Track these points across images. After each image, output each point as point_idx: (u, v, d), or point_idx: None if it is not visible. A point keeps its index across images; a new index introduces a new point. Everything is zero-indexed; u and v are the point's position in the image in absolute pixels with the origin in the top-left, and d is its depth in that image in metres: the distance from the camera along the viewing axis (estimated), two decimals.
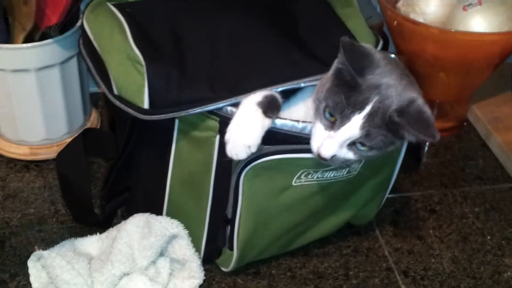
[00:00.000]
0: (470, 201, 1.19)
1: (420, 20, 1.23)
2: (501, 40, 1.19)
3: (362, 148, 0.83)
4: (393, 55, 1.16)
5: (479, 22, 1.20)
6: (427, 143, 1.32)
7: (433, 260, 1.07)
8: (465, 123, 1.38)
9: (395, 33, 1.28)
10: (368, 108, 0.81)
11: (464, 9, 1.21)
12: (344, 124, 0.81)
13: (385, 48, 1.30)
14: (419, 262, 1.06)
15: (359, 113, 0.81)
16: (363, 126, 0.81)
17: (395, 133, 0.82)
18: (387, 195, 1.07)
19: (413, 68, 1.22)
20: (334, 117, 0.83)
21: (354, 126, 0.81)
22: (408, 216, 1.15)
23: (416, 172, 1.25)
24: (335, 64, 0.84)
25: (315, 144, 0.84)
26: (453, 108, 1.35)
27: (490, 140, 1.32)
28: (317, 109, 0.85)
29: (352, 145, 0.84)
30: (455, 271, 1.05)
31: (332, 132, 0.83)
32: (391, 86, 0.82)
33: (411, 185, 1.22)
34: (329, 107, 0.83)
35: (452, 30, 1.20)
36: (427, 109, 0.83)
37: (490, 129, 1.32)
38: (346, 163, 0.88)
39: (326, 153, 0.83)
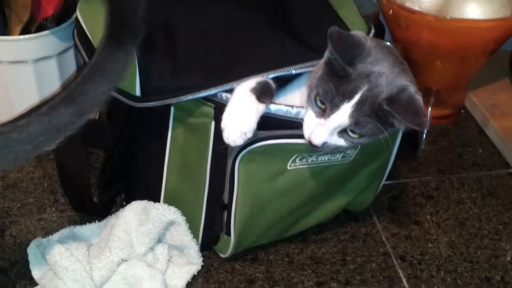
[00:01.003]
0: (467, 187, 1.20)
1: (416, 8, 1.24)
2: (496, 27, 1.19)
3: (353, 135, 0.84)
4: (388, 43, 1.16)
5: (474, 9, 1.20)
6: (425, 131, 1.33)
7: (430, 245, 1.07)
8: (462, 111, 1.39)
9: (391, 22, 1.28)
10: (357, 97, 0.81)
11: None
12: (334, 112, 0.82)
13: (381, 36, 1.31)
14: (416, 247, 1.07)
15: (348, 101, 0.81)
16: (352, 115, 0.82)
17: (384, 121, 0.82)
18: (383, 181, 1.08)
19: (410, 56, 1.22)
20: (325, 105, 0.83)
21: (343, 114, 0.82)
22: (406, 202, 1.16)
23: (413, 159, 1.25)
24: (326, 54, 0.85)
25: (306, 131, 0.86)
26: (450, 96, 1.35)
27: (487, 127, 1.33)
28: (308, 97, 0.86)
29: (343, 132, 0.84)
30: (452, 256, 1.06)
31: (322, 120, 0.84)
32: (382, 74, 0.82)
33: (409, 171, 1.23)
34: (320, 95, 0.83)
35: (448, 17, 1.21)
36: (418, 97, 0.84)
37: (487, 116, 1.33)
38: (339, 149, 0.88)
39: (317, 140, 0.84)
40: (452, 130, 1.34)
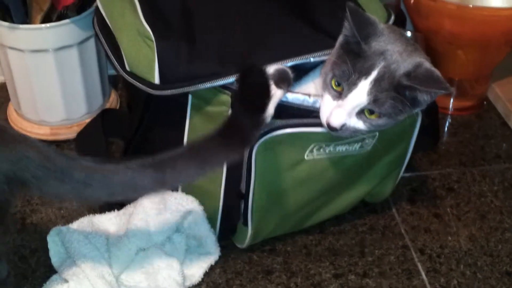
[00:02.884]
0: (489, 180, 1.18)
1: None
2: None
3: (371, 116, 0.83)
4: (409, 33, 1.15)
5: None
6: (447, 123, 1.31)
7: (450, 238, 1.06)
8: (485, 102, 1.37)
9: (412, 11, 1.27)
10: (374, 74, 0.81)
11: None
12: (351, 91, 0.82)
13: (402, 25, 1.29)
14: (436, 240, 1.06)
15: (366, 78, 0.81)
16: (370, 92, 0.81)
17: (405, 97, 0.82)
18: (402, 172, 1.07)
19: (431, 46, 1.21)
20: (341, 86, 0.83)
21: (361, 92, 0.82)
22: (426, 194, 1.14)
23: (434, 152, 1.24)
24: (341, 35, 0.85)
25: (324, 115, 0.85)
26: (473, 87, 1.33)
27: (510, 119, 1.31)
28: (324, 81, 0.86)
29: (361, 113, 0.84)
30: (472, 249, 1.04)
31: (340, 101, 0.84)
32: (396, 52, 0.83)
33: (429, 164, 1.21)
34: (336, 76, 0.83)
35: (470, 6, 1.19)
36: (435, 70, 0.84)
37: (511, 108, 1.30)
38: (357, 134, 0.88)
39: (335, 122, 0.83)
40: (475, 122, 1.32)
